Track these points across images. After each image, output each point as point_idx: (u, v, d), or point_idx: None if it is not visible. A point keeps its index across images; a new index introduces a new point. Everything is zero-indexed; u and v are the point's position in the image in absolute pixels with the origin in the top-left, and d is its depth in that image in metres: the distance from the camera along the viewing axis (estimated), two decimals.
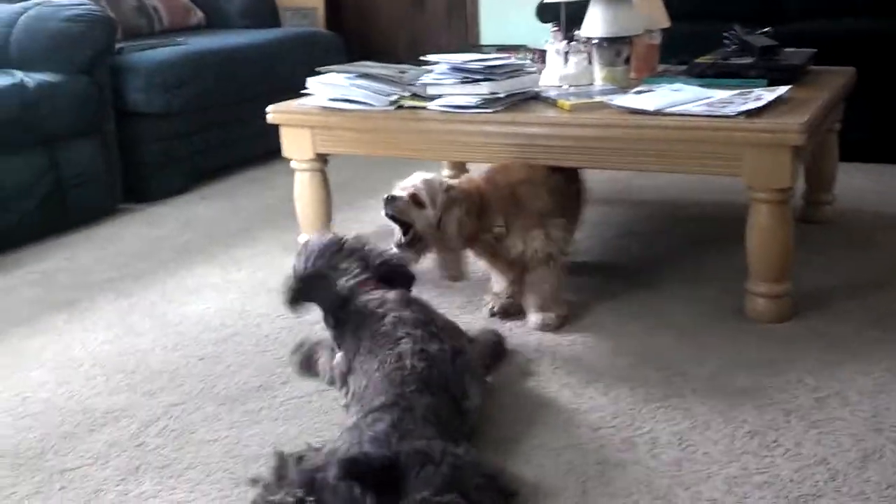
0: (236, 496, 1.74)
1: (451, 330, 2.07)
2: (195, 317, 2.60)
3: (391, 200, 2.28)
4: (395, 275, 2.14)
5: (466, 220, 2.30)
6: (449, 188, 2.31)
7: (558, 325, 2.39)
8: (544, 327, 2.39)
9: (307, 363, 2.20)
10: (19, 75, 3.35)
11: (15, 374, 2.31)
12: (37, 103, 3.30)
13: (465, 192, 2.33)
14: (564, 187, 2.52)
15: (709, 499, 1.66)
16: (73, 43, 3.50)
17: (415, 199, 2.27)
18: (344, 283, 2.07)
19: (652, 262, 2.82)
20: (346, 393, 1.95)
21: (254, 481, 1.69)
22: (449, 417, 1.78)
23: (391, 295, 2.05)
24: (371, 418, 1.69)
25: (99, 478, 1.83)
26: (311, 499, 1.57)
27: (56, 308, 2.72)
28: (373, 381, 1.84)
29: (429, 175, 2.33)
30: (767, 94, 2.44)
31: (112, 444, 1.95)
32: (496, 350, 2.23)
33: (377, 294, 2.05)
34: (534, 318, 2.41)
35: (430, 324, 1.98)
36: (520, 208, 2.37)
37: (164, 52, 3.96)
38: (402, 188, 2.31)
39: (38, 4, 3.62)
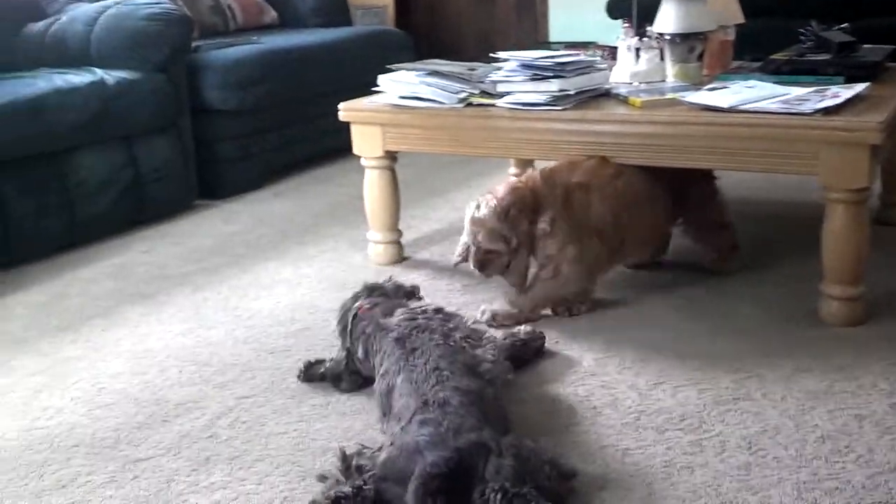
0: (303, 488, 1.76)
1: (445, 315, 2.08)
2: (266, 311, 2.65)
3: (480, 267, 2.36)
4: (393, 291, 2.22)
5: (528, 228, 2.36)
6: (508, 212, 2.33)
7: (506, 325, 2.37)
8: (492, 318, 2.39)
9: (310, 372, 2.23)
10: (99, 73, 3.44)
11: (92, 364, 2.37)
12: (116, 100, 3.39)
13: (521, 204, 2.36)
14: (635, 191, 2.48)
15: None
16: (151, 41, 3.58)
17: (493, 252, 2.35)
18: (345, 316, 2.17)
19: None
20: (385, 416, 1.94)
21: (322, 478, 1.71)
22: (481, 392, 1.80)
23: (378, 308, 2.10)
24: (416, 423, 1.69)
25: (171, 468, 1.87)
26: (368, 487, 1.59)
27: (133, 300, 2.79)
28: (396, 392, 1.85)
29: (485, 207, 2.35)
30: (845, 92, 2.38)
31: (184, 436, 1.99)
32: (523, 345, 2.23)
33: (368, 315, 2.11)
34: (488, 305, 2.43)
35: (419, 316, 2.02)
36: (569, 213, 2.40)
37: (238, 50, 4.03)
38: (473, 238, 2.36)
39: (118, 3, 3.71)
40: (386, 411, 1.86)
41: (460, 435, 1.63)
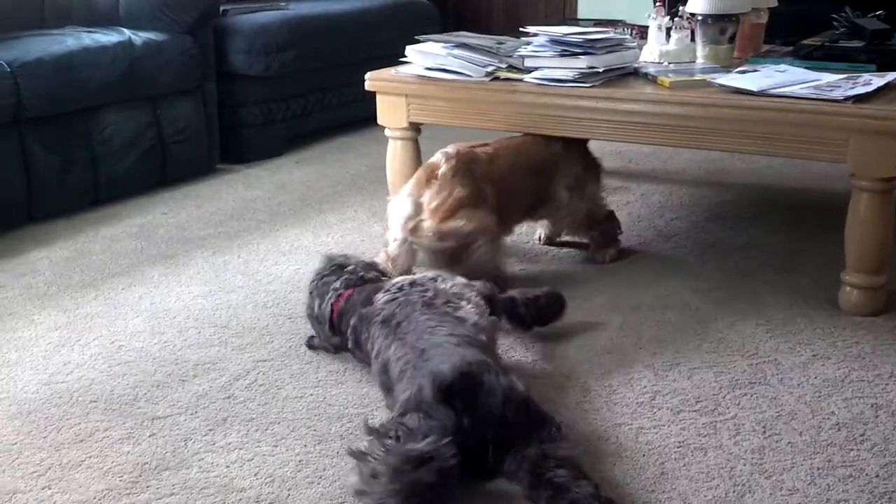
0: (318, 452, 1.78)
1: (422, 286, 2.07)
2: (286, 277, 2.66)
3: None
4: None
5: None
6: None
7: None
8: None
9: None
10: (127, 33, 3.44)
11: (112, 322, 2.39)
12: (142, 60, 3.39)
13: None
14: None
15: (790, 489, 1.64)
16: (180, 3, 3.58)
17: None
18: (322, 309, 2.17)
19: (744, 248, 2.77)
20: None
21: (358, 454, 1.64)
22: (473, 339, 1.87)
23: (356, 297, 2.11)
24: (420, 365, 1.77)
25: (188, 427, 1.89)
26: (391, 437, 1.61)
27: (154, 261, 2.81)
28: (391, 362, 1.88)
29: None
30: (877, 80, 2.36)
31: (202, 396, 2.01)
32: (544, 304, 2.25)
33: (348, 307, 2.12)
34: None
35: (398, 295, 2.02)
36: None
37: (266, 15, 4.02)
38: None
39: None
40: (389, 386, 1.87)
41: (465, 357, 1.72)
